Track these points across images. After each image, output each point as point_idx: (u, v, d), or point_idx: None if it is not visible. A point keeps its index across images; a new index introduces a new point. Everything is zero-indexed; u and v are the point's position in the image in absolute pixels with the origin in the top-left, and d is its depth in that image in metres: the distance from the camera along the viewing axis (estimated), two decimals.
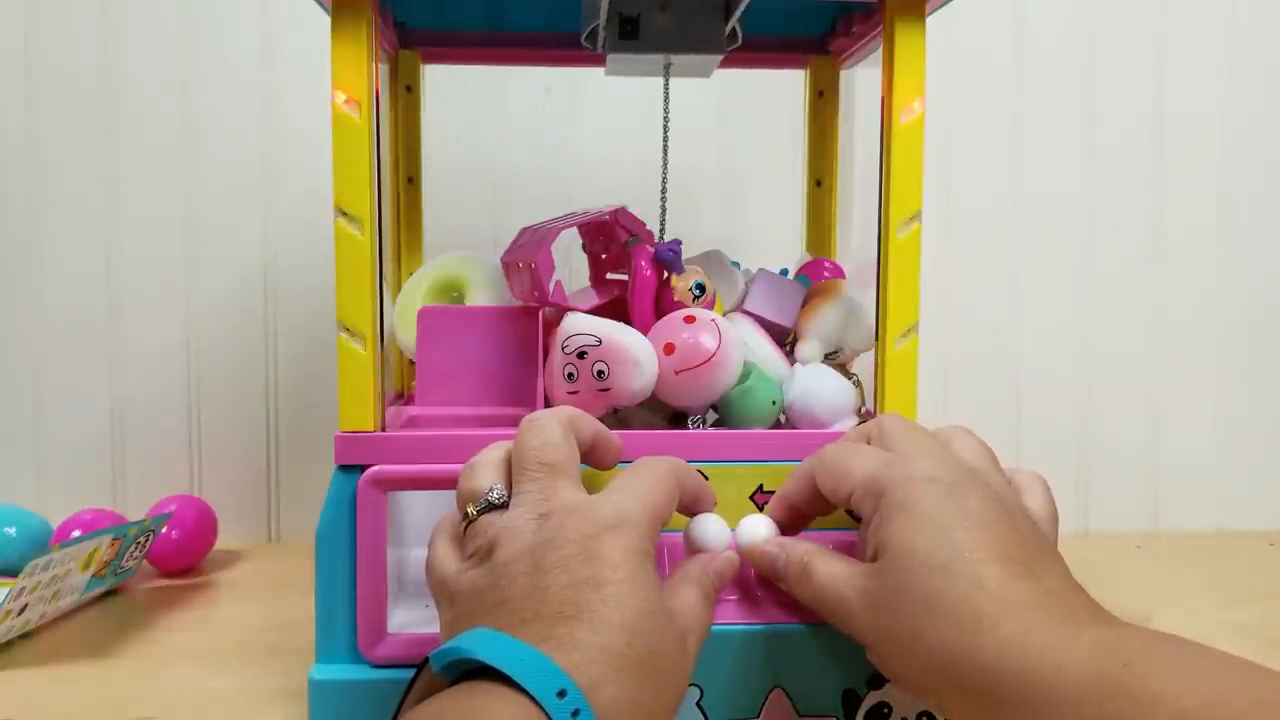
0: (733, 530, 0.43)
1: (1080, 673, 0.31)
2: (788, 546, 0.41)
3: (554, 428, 0.39)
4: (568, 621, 0.33)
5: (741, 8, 0.48)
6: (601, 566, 0.34)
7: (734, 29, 0.50)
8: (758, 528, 0.43)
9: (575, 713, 0.30)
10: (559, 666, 0.31)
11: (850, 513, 0.41)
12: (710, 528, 0.42)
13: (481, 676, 0.31)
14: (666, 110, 0.56)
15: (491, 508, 0.38)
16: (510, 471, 0.39)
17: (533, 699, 0.30)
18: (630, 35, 0.49)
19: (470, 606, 0.35)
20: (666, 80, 0.55)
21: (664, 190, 0.56)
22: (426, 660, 0.33)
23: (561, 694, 0.30)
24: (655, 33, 0.49)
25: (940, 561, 0.35)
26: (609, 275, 0.58)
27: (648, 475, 0.39)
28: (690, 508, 0.42)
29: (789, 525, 0.44)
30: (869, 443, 0.42)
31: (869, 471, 0.39)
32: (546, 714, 0.30)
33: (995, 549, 0.35)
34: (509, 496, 0.38)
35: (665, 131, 0.56)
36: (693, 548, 0.42)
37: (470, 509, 0.38)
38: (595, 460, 0.42)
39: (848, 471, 0.40)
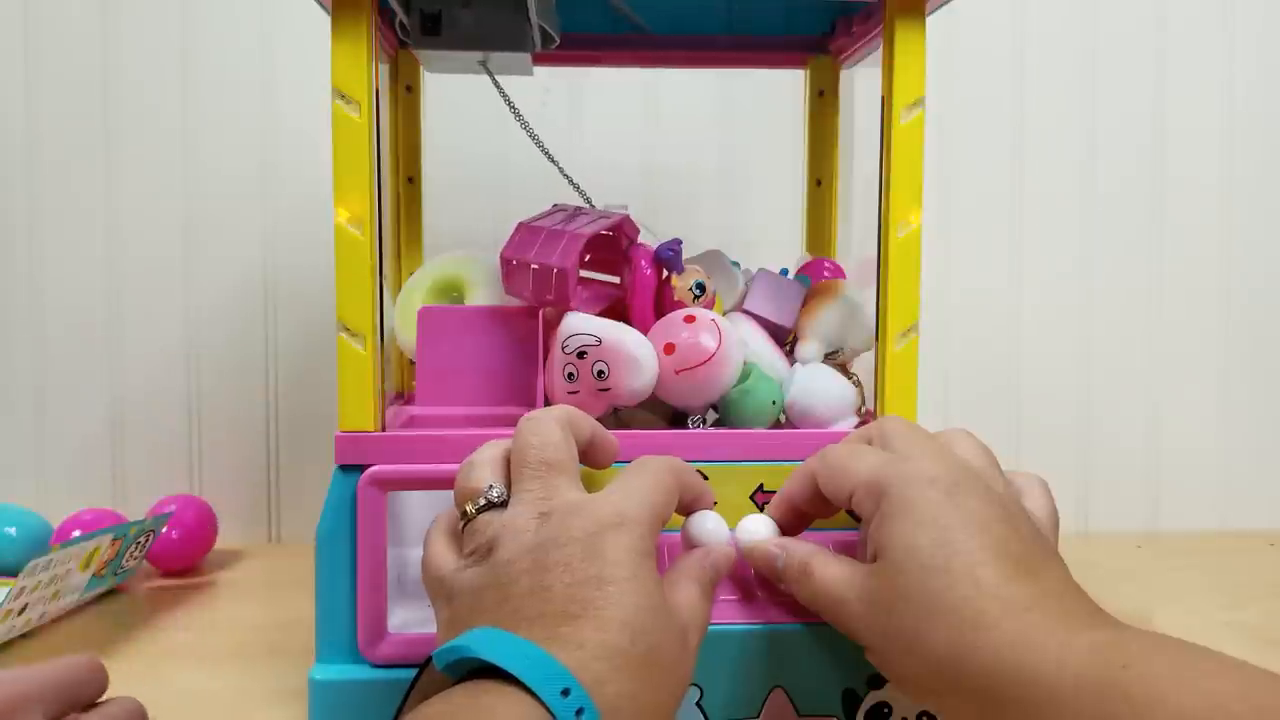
0: (733, 530, 0.43)
1: (1080, 674, 0.31)
2: (788, 547, 0.41)
3: (553, 426, 0.39)
4: (571, 620, 0.33)
5: (534, 7, 0.48)
6: (604, 565, 0.34)
7: (544, 29, 0.50)
8: (758, 527, 0.43)
9: (579, 711, 0.30)
10: (563, 665, 0.31)
11: (851, 513, 0.41)
12: (707, 523, 0.42)
13: (485, 675, 0.31)
14: (509, 103, 0.55)
15: (491, 506, 0.38)
16: (508, 470, 0.39)
17: (537, 698, 0.30)
18: (432, 31, 0.49)
19: (470, 604, 0.35)
20: (492, 77, 0.54)
21: (565, 176, 0.56)
22: (430, 659, 0.33)
23: (565, 692, 0.30)
24: (459, 29, 0.49)
25: (940, 562, 0.35)
26: (607, 276, 0.58)
27: (648, 474, 0.39)
28: (690, 507, 0.42)
29: (790, 525, 0.44)
30: (870, 444, 0.42)
31: (870, 472, 0.39)
32: (551, 712, 0.30)
33: (995, 550, 0.35)
34: (508, 495, 0.38)
35: (525, 126, 0.55)
36: (690, 544, 0.42)
37: (468, 507, 0.38)
38: (592, 460, 0.42)
39: (849, 472, 0.40)
